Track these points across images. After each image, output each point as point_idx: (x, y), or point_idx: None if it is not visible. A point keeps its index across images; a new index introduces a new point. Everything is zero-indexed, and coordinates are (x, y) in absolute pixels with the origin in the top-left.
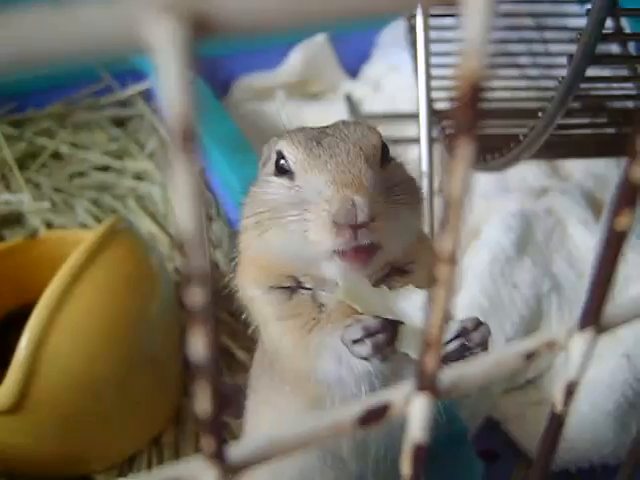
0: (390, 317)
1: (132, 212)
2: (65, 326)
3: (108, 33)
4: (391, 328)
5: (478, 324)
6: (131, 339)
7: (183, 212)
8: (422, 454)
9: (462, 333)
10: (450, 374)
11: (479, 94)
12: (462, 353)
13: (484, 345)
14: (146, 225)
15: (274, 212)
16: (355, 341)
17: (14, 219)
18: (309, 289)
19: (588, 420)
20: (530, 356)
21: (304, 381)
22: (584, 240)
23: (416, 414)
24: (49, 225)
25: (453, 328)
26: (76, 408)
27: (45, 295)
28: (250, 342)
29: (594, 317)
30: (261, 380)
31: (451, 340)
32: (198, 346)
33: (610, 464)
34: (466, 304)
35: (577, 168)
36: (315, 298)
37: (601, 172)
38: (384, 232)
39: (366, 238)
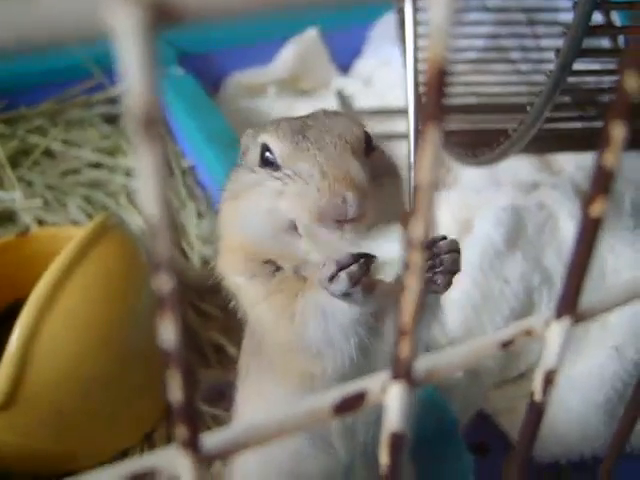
0: (362, 252)
1: (124, 209)
2: (56, 322)
3: (70, 19)
4: (364, 260)
5: (445, 237)
6: (122, 335)
7: (148, 197)
8: (400, 443)
9: (430, 244)
10: (426, 362)
11: (444, 78)
12: (432, 263)
13: (454, 254)
14: (138, 222)
15: (253, 185)
16: (331, 279)
17: (6, 217)
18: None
19: (578, 413)
20: (506, 344)
21: (293, 357)
22: (574, 234)
23: (392, 402)
24: (41, 222)
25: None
26: (67, 404)
27: (36, 291)
28: (242, 337)
29: (571, 306)
30: (249, 369)
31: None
32: (167, 333)
33: (601, 456)
34: (457, 297)
35: (568, 162)
36: (297, 272)
37: (591, 166)
38: (368, 224)
39: (352, 231)
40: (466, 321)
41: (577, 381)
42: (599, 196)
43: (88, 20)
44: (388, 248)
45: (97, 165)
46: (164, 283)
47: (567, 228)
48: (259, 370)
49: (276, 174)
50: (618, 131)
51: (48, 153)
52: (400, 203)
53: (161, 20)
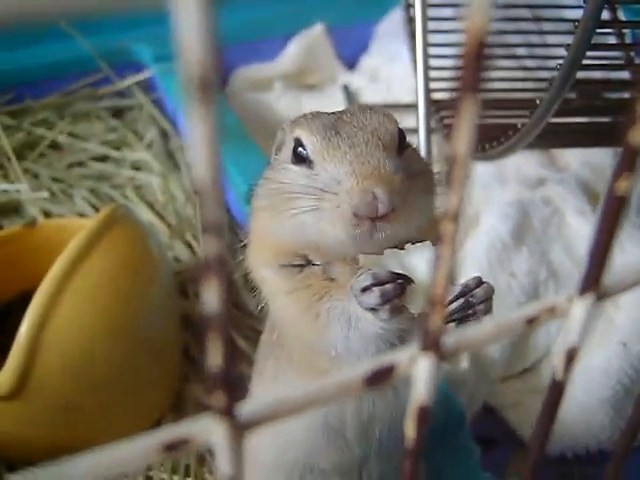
0: (402, 272)
1: (130, 202)
2: (65, 312)
3: None
4: (401, 281)
5: (480, 282)
6: (131, 325)
7: (200, 161)
8: (426, 416)
9: (465, 291)
10: (454, 335)
11: (484, 50)
12: (466, 311)
13: (488, 302)
14: (144, 214)
15: (290, 199)
16: (363, 290)
17: (12, 209)
18: (318, 265)
19: (585, 407)
20: (531, 321)
21: (312, 354)
22: (581, 229)
23: (421, 374)
24: (47, 215)
25: (457, 288)
26: (75, 395)
27: (45, 281)
28: (250, 331)
29: (594, 283)
30: (268, 362)
31: (455, 299)
32: (211, 298)
33: (607, 450)
34: None
35: (574, 158)
36: (325, 271)
37: (598, 162)
38: (401, 220)
39: (385, 229)
40: None
41: (584, 375)
42: (625, 174)
43: None
44: (423, 269)
45: (103, 158)
46: (211, 246)
47: (573, 223)
48: (277, 363)
49: (309, 175)
50: None
51: (54, 146)
52: (432, 202)
53: None
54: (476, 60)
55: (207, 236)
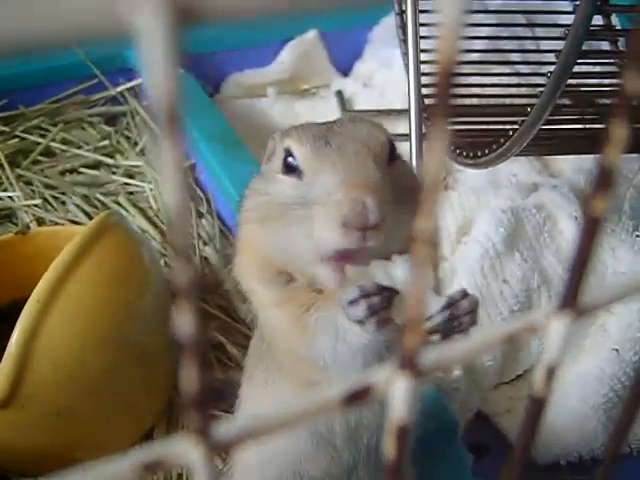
0: (388, 285)
1: (123, 208)
2: (57, 320)
3: (91, 16)
4: (387, 293)
5: (465, 295)
6: (123, 333)
7: (168, 190)
8: (405, 434)
9: (450, 303)
10: (431, 354)
11: (452, 78)
12: (451, 323)
13: (472, 314)
14: (137, 221)
15: (279, 210)
16: (350, 303)
17: (5, 216)
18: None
19: (578, 414)
20: (510, 339)
21: (300, 365)
22: (574, 235)
23: (398, 394)
24: (40, 222)
25: (442, 300)
26: (67, 403)
27: (37, 289)
28: (241, 337)
29: (572, 300)
30: (257, 369)
31: (441, 311)
32: (184, 322)
33: (599, 457)
34: None
35: (567, 164)
36: (312, 285)
37: (591, 168)
38: (390, 231)
39: (374, 239)
40: None
41: (576, 382)
42: (600, 194)
43: (109, 18)
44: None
45: (96, 165)
46: (182, 273)
47: (566, 230)
48: (267, 372)
49: (299, 186)
50: (620, 131)
51: (47, 152)
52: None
53: (186, 17)
54: (445, 89)
55: (177, 263)
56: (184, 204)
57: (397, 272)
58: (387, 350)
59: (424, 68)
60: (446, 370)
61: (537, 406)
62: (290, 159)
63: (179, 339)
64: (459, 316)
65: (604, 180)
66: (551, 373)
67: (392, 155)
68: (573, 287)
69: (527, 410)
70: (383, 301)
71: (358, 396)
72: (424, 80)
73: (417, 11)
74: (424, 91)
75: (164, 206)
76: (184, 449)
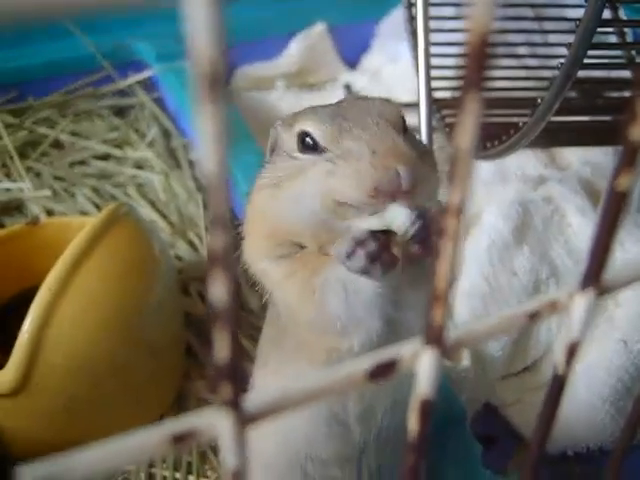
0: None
1: (132, 200)
2: (68, 309)
3: None
4: (382, 237)
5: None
6: (133, 323)
7: (208, 156)
8: (429, 409)
9: (419, 216)
10: (456, 330)
11: (487, 48)
12: (425, 230)
13: (418, 224)
14: (146, 213)
15: (299, 169)
16: (348, 256)
17: (15, 207)
18: None
19: (585, 405)
20: (533, 316)
21: (319, 334)
22: (582, 228)
23: (423, 368)
24: (49, 213)
25: (412, 213)
26: (78, 391)
27: (48, 278)
28: (253, 329)
29: (595, 278)
30: (271, 354)
31: (413, 223)
32: (218, 291)
33: (607, 448)
34: (466, 290)
35: (575, 157)
36: (321, 250)
37: (599, 161)
38: (418, 198)
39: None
40: (474, 313)
41: (584, 373)
42: (625, 170)
43: None
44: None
45: (105, 156)
46: (219, 239)
47: (574, 222)
48: (281, 355)
49: (322, 156)
50: None
51: (56, 144)
52: (438, 182)
53: None
54: (479, 58)
55: (214, 230)
56: (223, 171)
57: (390, 215)
58: (398, 294)
59: (434, 61)
60: (473, 345)
61: (559, 383)
62: (307, 140)
63: (212, 308)
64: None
65: (629, 156)
66: (572, 351)
67: (404, 126)
68: (596, 265)
69: (549, 388)
70: (381, 244)
71: (384, 370)
72: (433, 73)
73: (427, 3)
74: (433, 84)
75: (203, 172)
76: (214, 420)
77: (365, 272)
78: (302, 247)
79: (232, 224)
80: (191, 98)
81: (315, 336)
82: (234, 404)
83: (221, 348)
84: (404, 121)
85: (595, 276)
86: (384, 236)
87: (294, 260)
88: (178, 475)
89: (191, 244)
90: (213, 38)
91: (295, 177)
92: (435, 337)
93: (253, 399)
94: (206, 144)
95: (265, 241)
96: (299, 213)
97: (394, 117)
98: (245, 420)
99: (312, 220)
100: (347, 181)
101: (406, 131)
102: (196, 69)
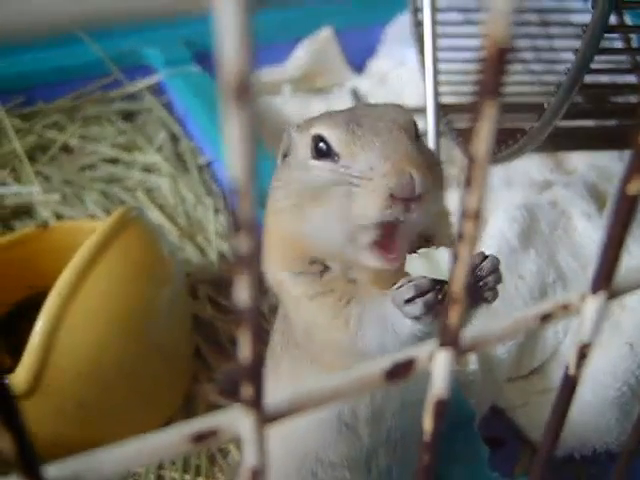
0: (435, 277)
1: (141, 204)
2: (78, 313)
3: None
4: (440, 287)
5: (485, 257)
6: (143, 326)
7: (235, 162)
8: (443, 410)
9: (472, 268)
10: (471, 331)
11: (505, 55)
12: (477, 286)
13: (496, 272)
14: (155, 217)
15: (315, 192)
16: (407, 301)
17: (24, 211)
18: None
19: (592, 408)
20: (546, 317)
21: (343, 356)
22: (588, 232)
23: (439, 369)
24: (59, 217)
25: None
26: (88, 394)
27: (59, 282)
28: (264, 333)
29: (606, 281)
30: (282, 361)
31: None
32: (242, 293)
33: (613, 451)
34: None
35: (581, 161)
36: (345, 275)
37: (605, 165)
38: (429, 204)
39: (417, 210)
40: (480, 316)
41: (590, 377)
42: (636, 174)
43: None
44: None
45: (114, 161)
46: (244, 243)
47: (580, 226)
48: (293, 364)
49: (336, 168)
50: None
51: (65, 148)
52: (443, 192)
53: None
54: (496, 64)
55: (241, 233)
56: (250, 177)
57: (441, 259)
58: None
59: (441, 66)
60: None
61: (569, 384)
62: (321, 144)
63: (236, 309)
64: (483, 277)
65: (639, 159)
66: (584, 352)
67: (417, 133)
68: (607, 268)
69: (560, 389)
70: (437, 295)
71: (400, 371)
72: (441, 78)
73: (434, 8)
74: (440, 89)
75: (230, 178)
76: (235, 420)
77: (417, 319)
78: (325, 267)
79: (257, 228)
80: (218, 105)
81: (337, 357)
82: (256, 403)
83: (244, 349)
84: (416, 127)
85: (606, 279)
86: (440, 286)
87: (319, 282)
88: (187, 477)
89: (199, 248)
90: (242, 46)
91: (314, 198)
92: (451, 338)
93: (274, 399)
94: (233, 151)
95: (286, 255)
96: (322, 236)
97: (407, 123)
98: (266, 419)
99: (335, 243)
100: (366, 203)
101: (418, 137)
102: (224, 77)
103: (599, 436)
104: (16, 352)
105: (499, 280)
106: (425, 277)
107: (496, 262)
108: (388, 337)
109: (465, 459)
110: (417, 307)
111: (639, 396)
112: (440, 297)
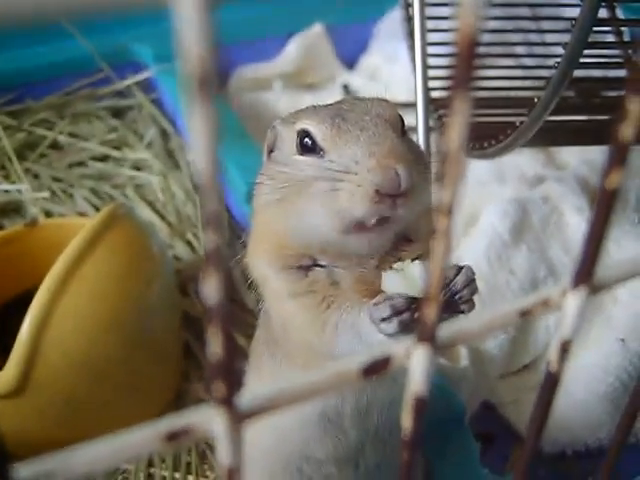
0: (413, 294)
1: (131, 201)
2: (67, 310)
3: None
4: (416, 305)
5: (459, 269)
6: (132, 323)
7: (200, 157)
8: (422, 406)
9: (446, 282)
10: (448, 327)
11: (475, 48)
12: (452, 300)
13: (471, 284)
14: (145, 214)
15: (300, 187)
16: (383, 320)
17: (13, 209)
18: (323, 266)
19: (584, 403)
20: (525, 313)
21: (317, 357)
22: (579, 227)
23: (416, 366)
24: (48, 214)
25: None
26: (77, 391)
27: (47, 278)
28: (250, 328)
29: (587, 276)
30: (263, 357)
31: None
32: (211, 290)
33: (606, 446)
34: None
35: (573, 156)
36: (330, 276)
37: (596, 160)
38: (416, 199)
39: (403, 206)
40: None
41: (582, 372)
42: (615, 168)
43: None
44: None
45: (104, 158)
46: (211, 240)
47: (572, 221)
48: (272, 360)
49: (321, 163)
50: (635, 105)
51: (55, 146)
52: (430, 186)
53: None
54: (468, 58)
55: (207, 229)
56: (215, 170)
57: (417, 275)
58: None
59: (431, 61)
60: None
61: (552, 381)
62: (307, 140)
63: (205, 307)
64: (458, 291)
65: (619, 154)
66: (565, 348)
67: (402, 128)
68: (588, 262)
69: (542, 385)
70: (413, 313)
71: (377, 368)
72: (430, 73)
73: (424, 3)
74: (431, 84)
75: (196, 172)
76: (208, 418)
77: (391, 336)
78: (313, 260)
79: (227, 224)
80: (183, 98)
81: (309, 355)
82: (228, 402)
83: (214, 346)
84: (402, 122)
85: (587, 274)
86: (416, 304)
87: (302, 281)
88: (177, 475)
89: (189, 244)
90: (202, 37)
91: (299, 193)
92: (428, 335)
93: (247, 396)
94: (198, 143)
95: (270, 249)
96: (306, 231)
97: (392, 118)
98: (239, 417)
99: (319, 237)
100: (351, 198)
101: (404, 132)
102: (186, 68)
103: (591, 431)
104: (8, 350)
105: (474, 292)
106: (402, 296)
107: (470, 274)
108: (360, 347)
109: (456, 455)
110: (392, 326)
111: (631, 391)
112: (416, 316)
